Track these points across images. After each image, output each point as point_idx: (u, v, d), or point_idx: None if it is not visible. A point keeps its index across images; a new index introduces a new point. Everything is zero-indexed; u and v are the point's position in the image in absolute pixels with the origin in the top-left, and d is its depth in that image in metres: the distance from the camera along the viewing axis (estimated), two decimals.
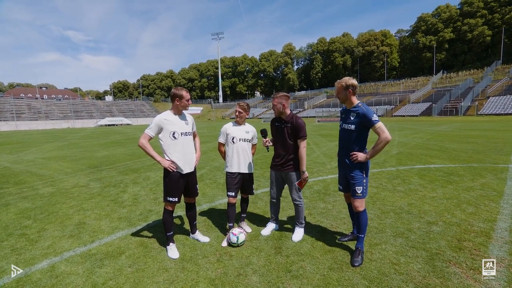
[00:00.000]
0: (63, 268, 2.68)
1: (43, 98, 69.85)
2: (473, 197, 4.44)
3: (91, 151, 12.29)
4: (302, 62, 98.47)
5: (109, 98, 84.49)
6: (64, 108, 61.83)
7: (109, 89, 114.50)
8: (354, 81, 2.68)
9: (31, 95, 77.11)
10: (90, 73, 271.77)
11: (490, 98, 39.98)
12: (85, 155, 10.98)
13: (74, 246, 3.14)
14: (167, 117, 2.86)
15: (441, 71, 63.56)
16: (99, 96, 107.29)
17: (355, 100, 2.72)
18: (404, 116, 43.37)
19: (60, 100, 69.60)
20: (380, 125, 2.55)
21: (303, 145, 3.07)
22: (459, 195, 4.54)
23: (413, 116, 42.25)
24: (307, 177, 3.12)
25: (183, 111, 3.02)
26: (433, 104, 42.19)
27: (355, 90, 2.68)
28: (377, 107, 49.88)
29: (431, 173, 6.11)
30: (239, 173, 3.28)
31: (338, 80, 2.74)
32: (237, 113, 3.31)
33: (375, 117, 2.56)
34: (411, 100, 49.60)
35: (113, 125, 56.25)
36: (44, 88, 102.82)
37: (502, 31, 57.42)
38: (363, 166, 2.73)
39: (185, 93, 2.87)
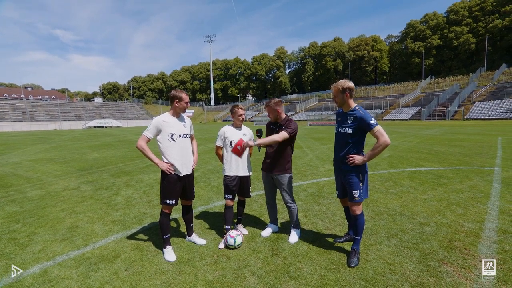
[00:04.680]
0: (56, 273, 2.61)
1: (28, 99, 67.85)
2: (462, 198, 4.58)
3: (81, 153, 12.04)
4: (294, 66, 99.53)
5: (98, 99, 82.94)
6: (51, 109, 60.37)
7: (98, 91, 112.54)
8: (350, 84, 2.67)
9: (15, 96, 74.60)
10: (79, 74, 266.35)
11: (476, 103, 41.30)
12: (75, 157, 10.74)
13: (67, 250, 3.07)
14: (165, 119, 2.86)
15: (429, 76, 65.34)
16: (88, 98, 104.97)
17: (352, 103, 2.72)
18: (394, 120, 44.28)
19: (46, 101, 67.84)
20: (378, 128, 2.55)
21: (280, 135, 2.99)
22: (449, 197, 4.67)
23: (402, 120, 43.19)
24: (248, 145, 3.03)
25: (181, 113, 3.02)
26: (422, 109, 43.25)
27: (352, 93, 2.68)
28: (368, 110, 50.60)
29: (422, 175, 6.26)
30: (237, 176, 3.30)
31: (335, 84, 2.74)
32: (242, 116, 3.34)
33: (373, 121, 2.56)
34: (400, 104, 50.71)
35: (103, 127, 55.26)
36: (29, 89, 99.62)
37: (486, 39, 59.60)
38: (360, 170, 2.73)
39: (184, 96, 2.88)
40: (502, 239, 3.12)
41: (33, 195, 5.37)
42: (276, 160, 3.19)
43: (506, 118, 34.17)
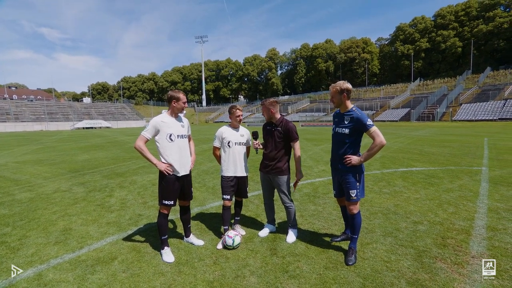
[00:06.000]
0: (52, 276, 2.56)
1: (12, 99, 65.64)
2: (452, 197, 4.71)
3: (70, 154, 11.78)
4: (286, 67, 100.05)
5: (87, 100, 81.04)
6: (37, 109, 58.72)
7: (87, 91, 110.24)
8: (348, 85, 2.72)
9: None
10: (67, 74, 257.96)
11: (463, 105, 42.48)
12: (64, 158, 10.50)
13: (61, 253, 3.00)
14: (164, 119, 2.84)
15: (418, 78, 66.78)
16: (76, 98, 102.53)
17: (349, 104, 2.77)
18: (384, 121, 44.99)
19: (32, 100, 65.74)
20: (375, 129, 2.60)
21: (297, 146, 3.20)
22: (440, 196, 4.79)
23: (393, 121, 43.95)
24: (296, 184, 3.28)
25: (179, 114, 3.01)
26: (412, 110, 44.14)
27: (349, 94, 2.74)
28: None
29: (414, 175, 6.41)
30: (234, 177, 3.30)
31: (333, 84, 2.79)
32: (240, 117, 3.34)
33: (369, 122, 2.62)
34: (391, 106, 51.63)
35: (92, 128, 54.20)
36: (13, 88, 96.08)
37: (471, 43, 61.46)
38: (356, 170, 2.78)
39: (182, 96, 2.88)
40: (492, 236, 3.23)
41: (22, 198, 5.22)
42: (275, 161, 3.21)
43: (491, 120, 35.29)
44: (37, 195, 5.37)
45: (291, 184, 3.28)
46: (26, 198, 5.18)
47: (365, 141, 2.77)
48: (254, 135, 3.37)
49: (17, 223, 3.93)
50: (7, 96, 65.98)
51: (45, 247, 3.17)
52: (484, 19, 61.42)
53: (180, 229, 3.58)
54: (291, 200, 3.32)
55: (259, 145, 3.33)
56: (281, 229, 3.57)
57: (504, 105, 37.46)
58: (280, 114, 3.30)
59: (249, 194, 5.06)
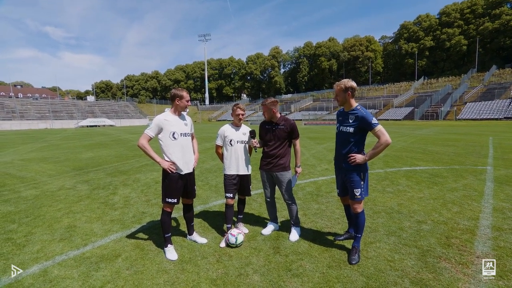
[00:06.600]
0: (57, 273, 2.58)
1: (17, 97, 66.21)
2: (457, 197, 4.67)
3: (75, 152, 11.87)
4: (289, 66, 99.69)
5: (91, 98, 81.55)
6: (42, 107, 59.15)
7: (91, 89, 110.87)
8: (353, 83, 2.70)
9: (4, 94, 72.42)
10: (71, 72, 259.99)
11: (467, 103, 42.08)
12: (69, 156, 10.59)
13: (66, 250, 3.03)
14: (167, 118, 2.85)
15: (422, 77, 66.24)
16: (80, 96, 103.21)
17: (354, 103, 2.76)
18: (388, 120, 44.76)
19: (37, 99, 66.25)
20: (380, 128, 2.58)
21: (298, 143, 3.32)
22: (444, 195, 4.76)
23: (396, 120, 43.70)
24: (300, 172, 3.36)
25: (182, 112, 3.02)
26: (415, 109, 43.84)
27: (354, 93, 2.72)
28: None
29: (417, 174, 6.36)
30: (237, 175, 3.30)
31: (337, 82, 2.77)
32: (240, 116, 3.32)
33: (374, 120, 2.59)
34: (394, 104, 51.30)
35: (96, 126, 54.56)
36: (18, 86, 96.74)
37: (477, 41, 60.73)
38: (361, 169, 2.76)
39: (185, 94, 2.88)
40: (497, 236, 3.20)
41: (28, 195, 5.28)
42: (277, 158, 3.21)
43: (496, 119, 34.93)
44: (42, 193, 5.42)
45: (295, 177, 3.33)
46: (31, 196, 5.24)
47: (369, 139, 2.74)
48: (252, 134, 3.36)
49: (23, 220, 3.97)
50: (13, 94, 66.54)
51: (50, 244, 3.20)
52: (490, 17, 60.59)
53: (183, 227, 3.60)
54: (293, 198, 3.32)
55: (256, 143, 3.33)
56: (284, 227, 3.56)
57: (510, 104, 37.04)
58: (280, 113, 3.31)
59: (252, 192, 5.06)
